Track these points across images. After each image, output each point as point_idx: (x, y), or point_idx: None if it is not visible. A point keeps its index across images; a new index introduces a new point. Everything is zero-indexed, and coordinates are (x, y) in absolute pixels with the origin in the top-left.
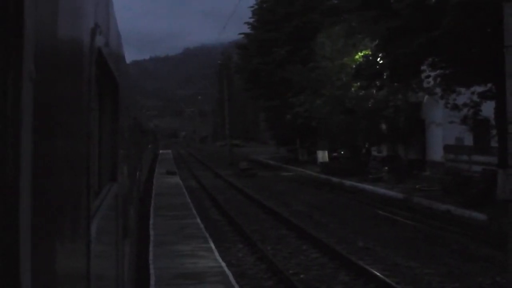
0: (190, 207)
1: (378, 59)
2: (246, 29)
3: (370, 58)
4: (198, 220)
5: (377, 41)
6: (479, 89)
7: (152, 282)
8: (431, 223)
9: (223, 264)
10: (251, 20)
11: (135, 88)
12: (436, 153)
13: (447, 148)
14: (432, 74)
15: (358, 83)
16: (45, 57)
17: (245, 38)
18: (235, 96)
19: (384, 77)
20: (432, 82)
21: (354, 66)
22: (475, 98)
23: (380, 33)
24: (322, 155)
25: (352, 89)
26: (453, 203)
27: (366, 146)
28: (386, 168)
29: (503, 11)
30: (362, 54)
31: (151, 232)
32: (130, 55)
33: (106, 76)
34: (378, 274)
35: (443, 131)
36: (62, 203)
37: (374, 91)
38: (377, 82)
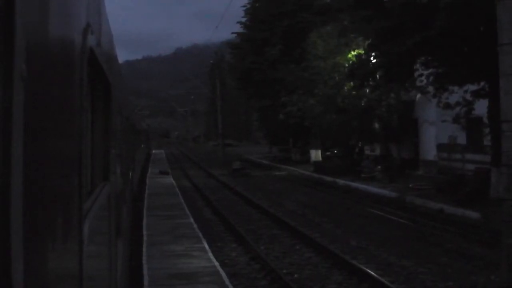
0: (183, 207)
1: (372, 58)
2: (238, 29)
3: (363, 57)
4: (191, 220)
5: (370, 40)
6: (472, 87)
7: (145, 282)
8: (424, 222)
9: (217, 264)
10: (243, 20)
11: (128, 88)
12: (429, 152)
13: (440, 147)
14: (425, 72)
15: (351, 83)
16: (36, 57)
17: (237, 38)
18: (227, 96)
19: (377, 76)
20: (425, 81)
21: (347, 65)
22: (468, 96)
23: (373, 32)
24: (315, 154)
25: (345, 88)
26: (446, 201)
27: (359, 145)
28: (379, 167)
29: (497, 9)
30: (355, 53)
31: (144, 232)
32: (123, 55)
33: (98, 76)
34: (372, 273)
35: (436, 130)
36: (54, 203)
37: (367, 90)
38: (371, 82)
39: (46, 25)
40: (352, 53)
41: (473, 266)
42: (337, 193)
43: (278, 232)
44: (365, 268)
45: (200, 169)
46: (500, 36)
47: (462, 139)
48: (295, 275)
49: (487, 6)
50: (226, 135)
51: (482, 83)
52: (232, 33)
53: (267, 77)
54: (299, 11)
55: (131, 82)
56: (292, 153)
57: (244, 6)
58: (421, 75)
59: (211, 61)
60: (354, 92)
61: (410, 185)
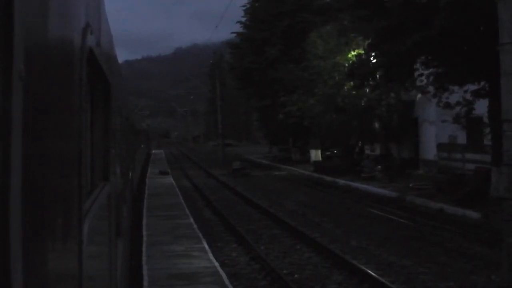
0: (183, 207)
1: (372, 57)
2: (238, 29)
3: (363, 57)
4: (191, 220)
5: (370, 40)
6: (472, 87)
7: (145, 283)
8: (425, 221)
9: (217, 264)
10: (243, 19)
11: (127, 88)
12: (429, 151)
13: (440, 147)
14: (425, 72)
15: (351, 82)
16: (35, 57)
17: (237, 37)
18: (227, 96)
19: (377, 76)
20: (425, 81)
21: (346, 65)
22: (468, 96)
23: (373, 32)
24: (315, 154)
25: (345, 87)
26: (446, 201)
27: (359, 145)
28: (379, 167)
29: (498, 8)
30: (355, 53)
31: (144, 232)
32: (122, 55)
33: (98, 76)
34: (372, 273)
35: (436, 130)
36: (54, 203)
37: (367, 90)
38: (371, 82)
39: (45, 25)
40: (352, 52)
41: (474, 265)
42: (337, 193)
43: (278, 232)
44: (365, 268)
45: (200, 169)
46: (501, 35)
47: (462, 138)
48: (296, 275)
49: (487, 5)
50: (226, 135)
51: (482, 83)
52: (232, 33)
53: (267, 77)
54: (299, 11)
55: (131, 82)
56: (292, 153)
57: (244, 6)
58: (421, 74)
59: (211, 61)
60: (354, 92)
61: (410, 185)
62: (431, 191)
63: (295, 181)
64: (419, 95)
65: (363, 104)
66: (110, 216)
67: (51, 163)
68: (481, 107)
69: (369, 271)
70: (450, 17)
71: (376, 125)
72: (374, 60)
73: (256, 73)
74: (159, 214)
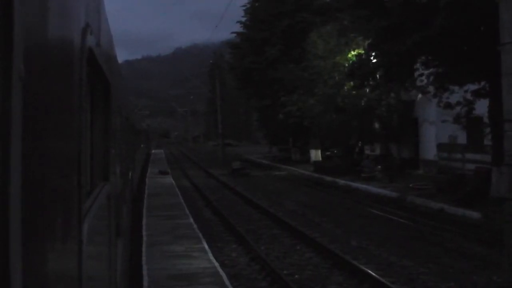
0: (183, 207)
1: (372, 57)
2: (238, 29)
3: (363, 57)
4: (191, 220)
5: (370, 40)
6: (472, 87)
7: (145, 283)
8: (425, 221)
9: (217, 264)
10: (243, 19)
11: (127, 88)
12: (429, 151)
13: (440, 147)
14: (425, 72)
15: (351, 82)
16: (35, 57)
17: (237, 37)
18: (227, 96)
19: (377, 76)
20: (425, 81)
21: (346, 65)
22: (468, 96)
23: (373, 32)
24: (315, 154)
25: (345, 87)
26: (447, 201)
27: (359, 145)
28: (379, 167)
29: (499, 8)
30: (355, 53)
31: (144, 233)
32: (122, 55)
33: (98, 76)
34: (373, 273)
35: (436, 130)
36: (54, 203)
37: (367, 90)
38: (371, 82)
39: (45, 25)
40: (352, 52)
41: (474, 266)
42: (337, 193)
43: (278, 232)
44: (365, 269)
45: (200, 169)
46: (502, 35)
47: (462, 138)
48: (296, 276)
49: (487, 5)
50: (226, 135)
51: (482, 83)
52: (232, 32)
53: (267, 77)
54: (299, 11)
55: (131, 82)
56: (292, 153)
57: (244, 6)
58: (421, 74)
59: (211, 61)
60: (354, 92)
61: (410, 185)
62: (431, 191)
63: (295, 181)
64: (419, 95)
65: (363, 104)
66: (110, 216)
67: (51, 163)
68: (481, 107)
69: (369, 271)
70: (450, 17)
71: (376, 125)
72: (374, 60)
73: (256, 73)
74: (159, 214)
